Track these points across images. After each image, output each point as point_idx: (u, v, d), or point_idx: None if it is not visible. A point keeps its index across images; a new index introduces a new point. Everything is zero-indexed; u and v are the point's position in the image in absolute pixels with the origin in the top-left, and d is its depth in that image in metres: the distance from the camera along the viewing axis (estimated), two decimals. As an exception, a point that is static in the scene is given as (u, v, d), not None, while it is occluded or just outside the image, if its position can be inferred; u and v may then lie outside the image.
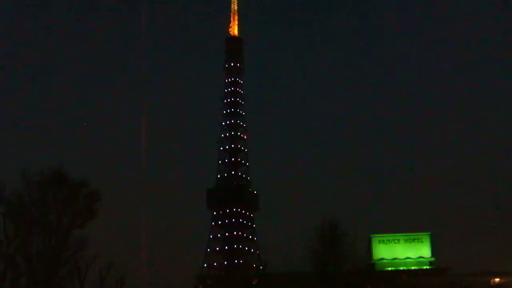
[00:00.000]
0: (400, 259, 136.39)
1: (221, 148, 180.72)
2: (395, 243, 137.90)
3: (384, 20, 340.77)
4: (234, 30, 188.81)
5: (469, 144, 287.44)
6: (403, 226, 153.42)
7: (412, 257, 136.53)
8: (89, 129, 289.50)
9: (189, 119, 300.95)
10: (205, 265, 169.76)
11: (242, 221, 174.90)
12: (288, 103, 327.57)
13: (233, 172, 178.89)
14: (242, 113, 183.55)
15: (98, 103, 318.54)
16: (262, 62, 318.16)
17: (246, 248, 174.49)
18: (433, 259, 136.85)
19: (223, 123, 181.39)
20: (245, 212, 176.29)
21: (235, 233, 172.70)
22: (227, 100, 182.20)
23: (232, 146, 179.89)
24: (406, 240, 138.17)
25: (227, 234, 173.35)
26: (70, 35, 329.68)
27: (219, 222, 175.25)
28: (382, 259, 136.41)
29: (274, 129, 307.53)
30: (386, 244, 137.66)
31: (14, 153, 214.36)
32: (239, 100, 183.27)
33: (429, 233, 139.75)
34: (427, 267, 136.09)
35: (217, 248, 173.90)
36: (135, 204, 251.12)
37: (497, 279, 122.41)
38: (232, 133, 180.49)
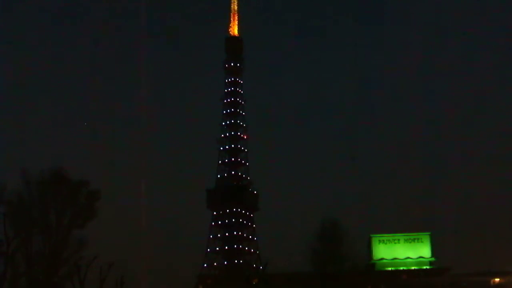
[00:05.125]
0: (400, 259, 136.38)
1: (221, 148, 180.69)
2: (395, 243, 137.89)
3: (385, 19, 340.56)
4: (234, 30, 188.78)
5: (469, 144, 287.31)
6: (403, 226, 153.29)
7: (412, 257, 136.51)
8: (89, 129, 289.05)
9: (189, 119, 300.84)
10: (205, 265, 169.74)
11: (242, 221, 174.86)
12: (288, 103, 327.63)
13: (233, 172, 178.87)
14: (242, 113, 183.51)
15: (98, 102, 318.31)
16: (262, 62, 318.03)
17: (246, 248, 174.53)
18: (433, 259, 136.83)
19: (223, 123, 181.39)
20: (245, 212, 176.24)
21: (235, 233, 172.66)
22: (227, 100, 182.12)
23: (232, 146, 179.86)
24: (406, 240, 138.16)
25: (227, 234, 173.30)
26: (69, 35, 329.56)
27: (219, 222, 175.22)
28: (382, 259, 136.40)
29: (274, 129, 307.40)
30: (386, 244, 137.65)
31: (14, 153, 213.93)
32: (239, 100, 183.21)
33: (429, 233, 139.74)
34: (427, 267, 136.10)
35: (217, 248, 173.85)
36: (135, 204, 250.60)
37: (497, 279, 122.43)
38: (232, 133, 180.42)
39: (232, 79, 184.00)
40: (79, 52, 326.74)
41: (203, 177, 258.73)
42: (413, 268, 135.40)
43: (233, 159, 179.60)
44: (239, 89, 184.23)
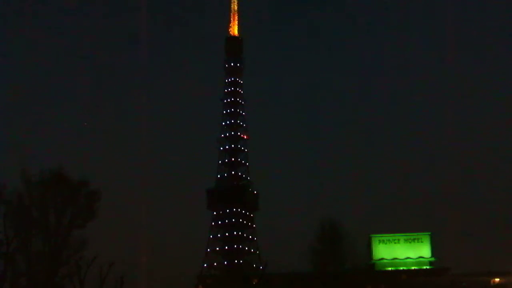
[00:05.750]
0: (400, 259, 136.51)
1: (221, 148, 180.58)
2: (395, 243, 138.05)
3: (385, 20, 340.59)
4: (234, 30, 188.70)
5: (469, 143, 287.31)
6: (403, 226, 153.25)
7: (412, 257, 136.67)
8: (89, 129, 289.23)
9: (189, 119, 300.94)
10: (205, 265, 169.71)
11: (242, 221, 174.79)
12: (288, 103, 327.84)
13: (233, 172, 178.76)
14: (242, 113, 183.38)
15: (97, 103, 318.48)
16: (262, 62, 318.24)
17: (246, 248, 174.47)
18: (433, 259, 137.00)
19: (223, 123, 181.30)
20: (245, 212, 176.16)
21: (235, 233, 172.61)
22: (227, 100, 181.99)
23: (232, 146, 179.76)
24: (406, 240, 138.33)
25: (227, 234, 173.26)
26: (69, 35, 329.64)
27: (219, 222, 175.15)
28: (382, 259, 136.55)
29: (274, 129, 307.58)
30: (386, 244, 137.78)
31: (14, 153, 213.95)
32: (239, 100, 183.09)
33: (429, 233, 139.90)
34: (427, 267, 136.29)
35: (217, 248, 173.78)
36: (135, 204, 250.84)
37: (497, 279, 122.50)
38: (232, 133, 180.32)
39: (232, 79, 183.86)
40: (79, 51, 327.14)
41: (203, 177, 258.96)
42: (413, 268, 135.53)
43: (233, 159, 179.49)
44: (239, 89, 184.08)
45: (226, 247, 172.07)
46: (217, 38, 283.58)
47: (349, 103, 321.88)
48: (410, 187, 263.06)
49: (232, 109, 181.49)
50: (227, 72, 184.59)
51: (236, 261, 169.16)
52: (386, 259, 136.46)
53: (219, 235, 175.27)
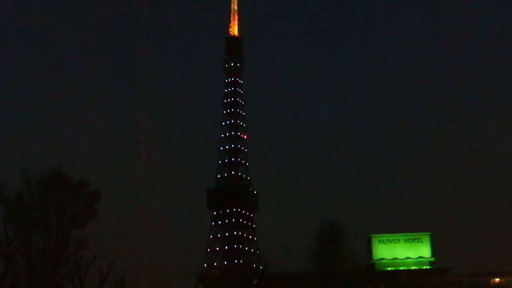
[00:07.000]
0: (400, 259, 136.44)
1: (221, 148, 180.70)
2: (395, 243, 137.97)
3: (386, 19, 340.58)
4: (234, 30, 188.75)
5: (469, 143, 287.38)
6: (403, 226, 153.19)
7: (412, 257, 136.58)
8: (89, 129, 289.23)
9: (189, 119, 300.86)
10: (205, 265, 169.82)
11: (242, 221, 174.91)
12: (288, 103, 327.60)
13: (233, 172, 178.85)
14: (242, 113, 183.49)
15: (98, 103, 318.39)
16: (262, 62, 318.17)
17: (246, 248, 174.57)
18: (433, 259, 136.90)
19: (223, 123, 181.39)
20: (245, 212, 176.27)
21: (235, 233, 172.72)
22: (227, 100, 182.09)
23: (232, 146, 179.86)
24: (406, 240, 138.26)
25: (227, 234, 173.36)
26: (69, 35, 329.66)
27: (219, 222, 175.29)
28: (382, 259, 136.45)
29: (274, 129, 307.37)
30: (386, 244, 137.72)
31: (14, 153, 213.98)
32: (239, 100, 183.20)
33: (429, 233, 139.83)
34: (427, 267, 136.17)
35: (217, 248, 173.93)
36: (135, 204, 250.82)
37: (497, 279, 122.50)
38: (232, 133, 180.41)
39: (232, 79, 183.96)
40: (79, 52, 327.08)
41: (203, 177, 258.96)
42: (413, 268, 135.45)
43: (233, 159, 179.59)
44: (239, 89, 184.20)
45: (226, 247, 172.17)
46: (217, 38, 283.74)
47: (349, 103, 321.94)
48: (410, 187, 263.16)
49: (232, 109, 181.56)
50: (227, 72, 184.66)
51: (236, 261, 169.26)
52: (386, 259, 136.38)
53: (219, 235, 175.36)
